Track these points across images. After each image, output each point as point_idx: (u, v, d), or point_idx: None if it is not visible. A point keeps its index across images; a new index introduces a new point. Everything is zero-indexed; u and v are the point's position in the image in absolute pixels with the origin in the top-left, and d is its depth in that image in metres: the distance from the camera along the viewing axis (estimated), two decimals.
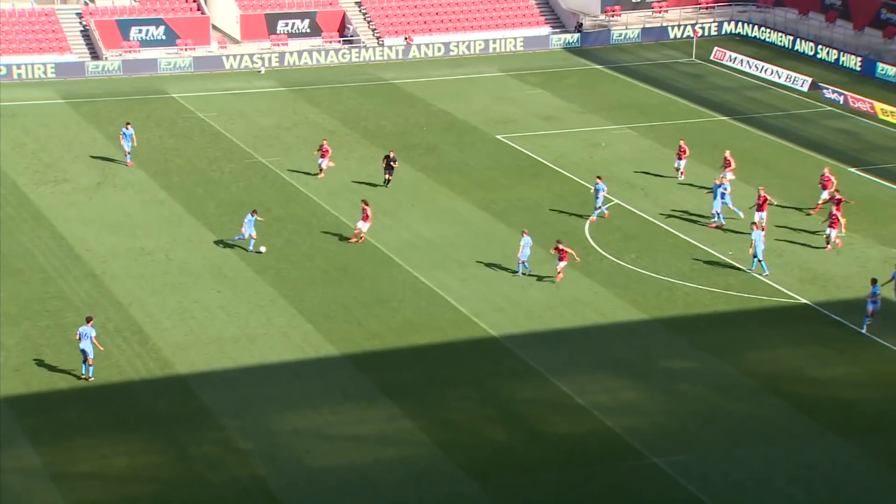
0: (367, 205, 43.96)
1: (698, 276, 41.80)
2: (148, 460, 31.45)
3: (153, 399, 34.22)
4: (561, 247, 40.92)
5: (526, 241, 41.74)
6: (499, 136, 56.79)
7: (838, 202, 44.27)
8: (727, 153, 49.44)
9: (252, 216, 43.21)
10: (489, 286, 41.06)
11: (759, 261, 41.68)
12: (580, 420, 33.31)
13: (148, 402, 34.10)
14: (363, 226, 43.95)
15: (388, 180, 49.40)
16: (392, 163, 49.35)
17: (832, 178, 46.90)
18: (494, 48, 71.57)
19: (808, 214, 46.56)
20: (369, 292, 40.69)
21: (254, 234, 43.09)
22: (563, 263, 40.81)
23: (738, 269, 42.32)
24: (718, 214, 45.81)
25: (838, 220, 43.35)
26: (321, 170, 50.86)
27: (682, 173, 50.44)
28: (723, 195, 45.83)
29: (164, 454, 31.69)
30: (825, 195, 46.40)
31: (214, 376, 35.41)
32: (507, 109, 60.93)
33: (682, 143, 51.07)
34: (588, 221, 46.01)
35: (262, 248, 43.11)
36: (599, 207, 46.31)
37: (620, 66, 68.71)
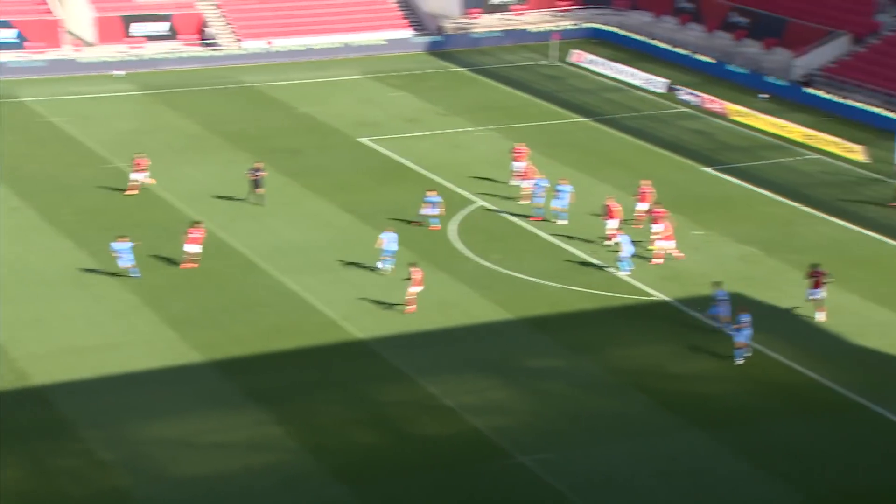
0: (198, 226, 42.27)
1: (562, 275, 42.46)
2: (5, 475, 30.54)
3: (10, 412, 33.23)
4: (414, 269, 38.90)
5: (389, 236, 41.72)
6: (362, 139, 56.80)
7: (657, 215, 43.99)
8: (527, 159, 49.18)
9: (124, 242, 40.48)
10: (356, 289, 41.03)
11: (621, 259, 42.43)
12: (448, 421, 33.53)
13: (4, 414, 33.10)
14: (191, 248, 41.69)
15: (259, 195, 47.64)
16: (257, 174, 48.16)
17: (649, 191, 46.26)
18: (356, 51, 71.52)
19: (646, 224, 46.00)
20: (234, 298, 40.27)
21: (132, 261, 40.52)
22: (416, 289, 38.95)
23: (601, 268, 43.12)
24: (545, 211, 46.48)
25: (668, 232, 43.32)
26: (134, 184, 48.27)
27: (517, 176, 49.18)
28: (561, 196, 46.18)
29: (22, 468, 30.82)
30: (643, 207, 45.84)
31: (74, 387, 34.59)
32: (370, 112, 60.98)
33: (520, 146, 50.50)
34: (433, 228, 45.90)
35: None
36: (432, 215, 45.62)
37: (481, 68, 69.40)
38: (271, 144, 55.71)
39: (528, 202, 47.34)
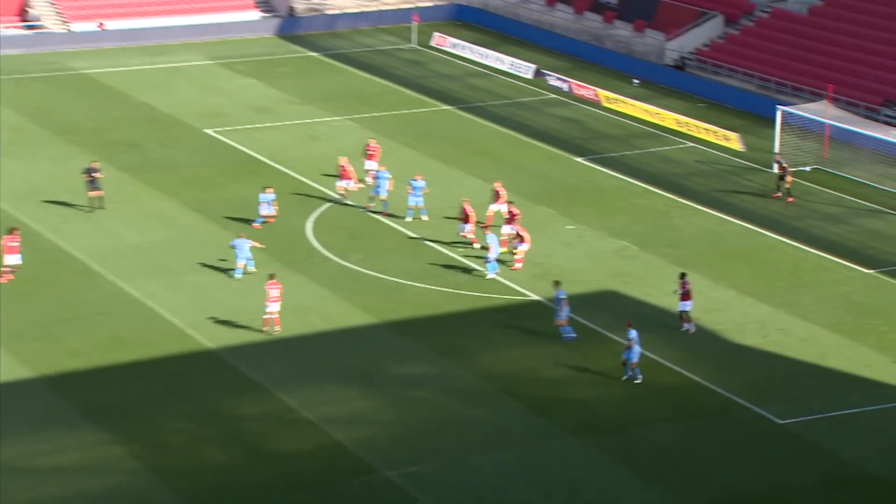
0: (15, 232, 40.85)
1: (428, 275, 42.59)
2: None
3: None
4: (272, 284, 37.77)
5: (240, 242, 41.31)
6: (208, 131, 56.15)
7: (512, 216, 43.93)
8: (342, 160, 48.29)
9: None
10: (205, 295, 40.52)
11: (489, 261, 42.54)
12: (307, 435, 33.37)
13: None
14: (10, 259, 40.23)
15: (98, 198, 46.25)
16: (93, 174, 46.80)
17: (502, 191, 45.98)
18: (199, 34, 70.57)
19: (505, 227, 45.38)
20: (68, 306, 39.40)
21: None
22: (274, 307, 37.90)
23: (468, 267, 43.37)
24: (384, 202, 46.68)
25: (520, 235, 43.28)
26: None
27: (369, 174, 48.56)
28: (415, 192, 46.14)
29: None
30: (496, 207, 45.51)
31: None
32: (217, 101, 60.34)
33: (372, 142, 50.07)
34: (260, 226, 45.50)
35: None
36: (264, 216, 45.21)
37: (337, 52, 69.22)
38: (107, 137, 54.73)
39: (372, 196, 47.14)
